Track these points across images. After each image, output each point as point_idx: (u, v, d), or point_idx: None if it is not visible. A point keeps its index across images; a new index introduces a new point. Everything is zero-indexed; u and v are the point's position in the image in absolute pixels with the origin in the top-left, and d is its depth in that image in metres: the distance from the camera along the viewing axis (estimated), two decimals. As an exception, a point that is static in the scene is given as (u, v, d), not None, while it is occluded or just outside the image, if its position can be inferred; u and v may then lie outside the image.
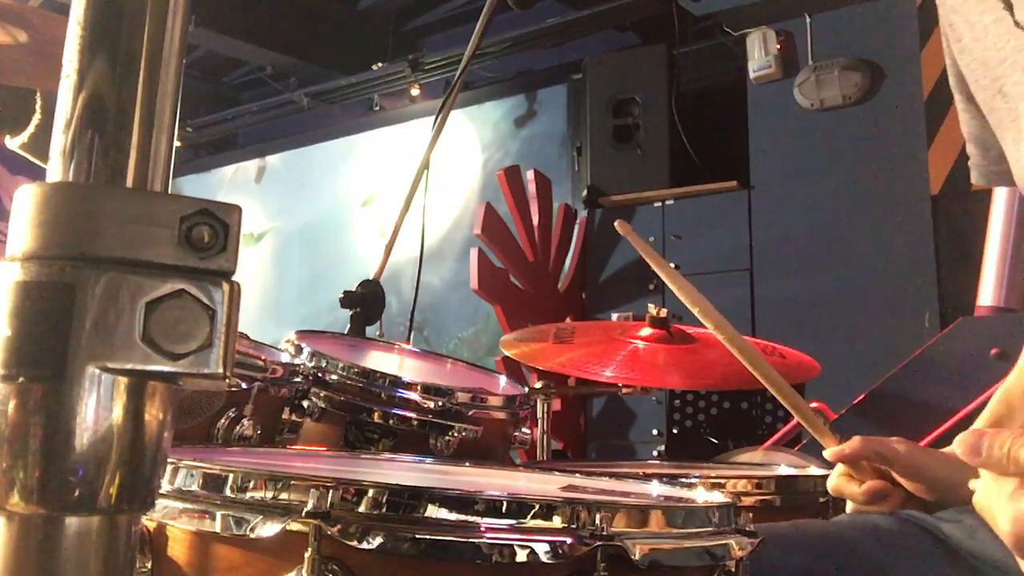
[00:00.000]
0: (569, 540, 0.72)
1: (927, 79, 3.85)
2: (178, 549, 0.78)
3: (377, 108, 6.64)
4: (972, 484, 0.69)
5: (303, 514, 0.70)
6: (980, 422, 0.76)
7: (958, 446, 0.65)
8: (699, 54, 4.90)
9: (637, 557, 0.72)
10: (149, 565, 0.78)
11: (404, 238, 2.12)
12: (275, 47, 6.58)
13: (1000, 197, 2.88)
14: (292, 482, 0.74)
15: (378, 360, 1.74)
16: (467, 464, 1.25)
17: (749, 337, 2.14)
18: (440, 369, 1.84)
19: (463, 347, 5.75)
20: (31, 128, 1.37)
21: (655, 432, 4.36)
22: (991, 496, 0.64)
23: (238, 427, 1.24)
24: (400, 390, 1.43)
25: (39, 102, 1.41)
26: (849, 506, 1.08)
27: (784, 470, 1.55)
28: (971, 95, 0.99)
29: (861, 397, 2.53)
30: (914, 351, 2.53)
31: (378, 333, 1.95)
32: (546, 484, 1.10)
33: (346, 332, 1.88)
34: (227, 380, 0.40)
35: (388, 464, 1.21)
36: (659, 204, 4.60)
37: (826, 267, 4.05)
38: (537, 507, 0.74)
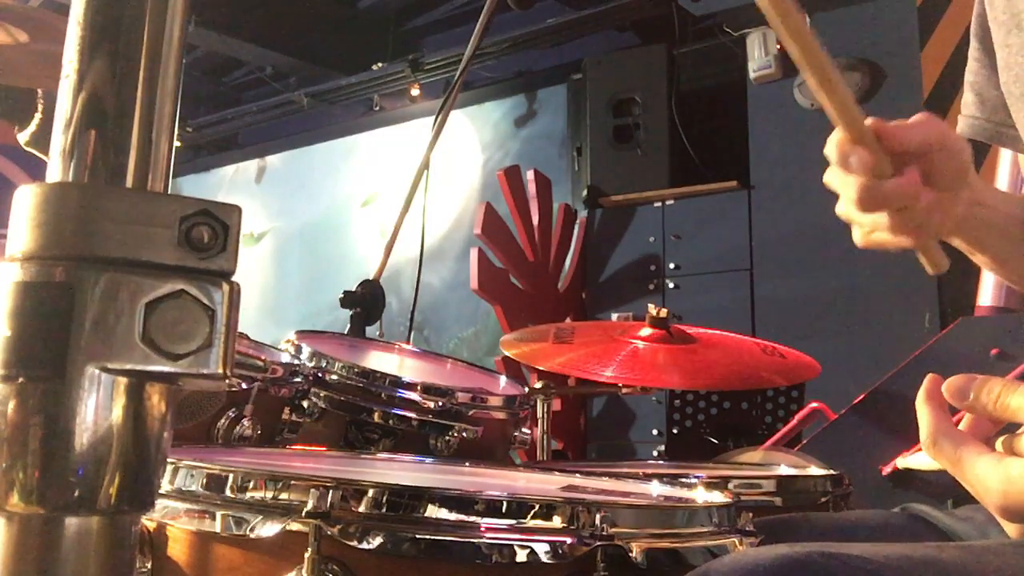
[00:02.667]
0: (569, 540, 0.72)
1: (927, 79, 3.84)
2: (178, 549, 0.78)
3: (377, 108, 6.64)
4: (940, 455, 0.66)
5: (303, 514, 0.70)
6: None
7: (946, 389, 0.65)
8: (699, 54, 4.89)
9: (637, 557, 0.72)
10: (149, 565, 0.78)
11: (404, 238, 2.12)
12: (275, 47, 6.58)
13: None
14: (292, 482, 0.74)
15: (378, 360, 1.73)
16: (467, 464, 1.25)
17: (748, 337, 2.14)
18: (440, 369, 1.83)
19: (463, 347, 5.75)
20: (32, 127, 1.37)
21: (655, 432, 4.36)
22: (974, 465, 0.63)
23: (238, 427, 1.24)
24: (400, 390, 1.43)
25: (41, 101, 1.41)
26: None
27: (784, 470, 1.55)
28: (988, 43, 1.08)
29: (861, 397, 2.52)
30: (914, 351, 2.53)
31: (378, 333, 1.95)
32: (546, 484, 1.10)
33: (346, 332, 1.88)
34: (227, 380, 0.40)
35: (388, 464, 1.21)
36: (659, 204, 4.60)
37: (826, 267, 4.05)
38: (537, 507, 0.74)
